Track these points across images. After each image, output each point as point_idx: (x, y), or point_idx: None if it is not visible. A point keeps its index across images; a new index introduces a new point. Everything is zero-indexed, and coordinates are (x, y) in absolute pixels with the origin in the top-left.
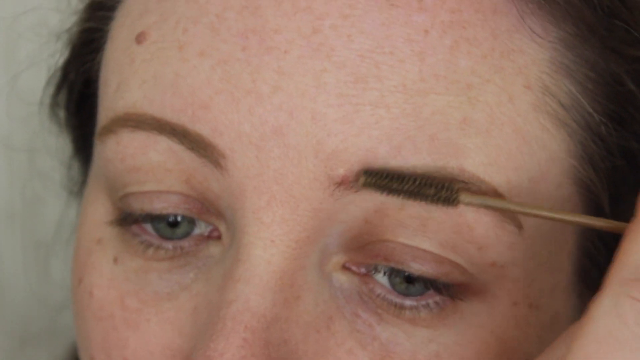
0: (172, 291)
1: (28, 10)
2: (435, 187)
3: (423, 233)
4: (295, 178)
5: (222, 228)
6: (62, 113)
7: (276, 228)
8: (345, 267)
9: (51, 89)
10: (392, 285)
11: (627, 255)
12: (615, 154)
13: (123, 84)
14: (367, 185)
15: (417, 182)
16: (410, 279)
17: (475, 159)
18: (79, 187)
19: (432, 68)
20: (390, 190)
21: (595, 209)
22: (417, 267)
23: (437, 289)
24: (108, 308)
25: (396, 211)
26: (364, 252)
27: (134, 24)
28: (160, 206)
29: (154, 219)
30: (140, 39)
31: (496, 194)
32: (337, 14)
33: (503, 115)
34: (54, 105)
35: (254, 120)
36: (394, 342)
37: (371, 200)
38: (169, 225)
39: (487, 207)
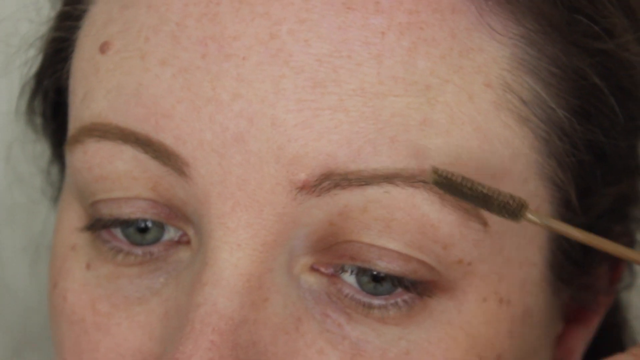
0: (142, 296)
1: None
2: (503, 199)
3: (388, 234)
4: (258, 183)
5: (191, 233)
6: (38, 120)
7: (242, 232)
8: (313, 269)
9: (26, 97)
10: (360, 284)
11: None
12: (580, 148)
13: (89, 94)
14: (437, 184)
15: (486, 191)
16: (377, 278)
17: (436, 159)
18: (58, 193)
19: (390, 70)
20: (460, 193)
21: (563, 203)
22: (383, 265)
23: (405, 286)
24: (80, 312)
25: (359, 213)
26: (331, 252)
27: (98, 33)
28: (128, 211)
29: (122, 223)
30: (104, 48)
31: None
32: (294, 18)
33: (463, 114)
34: (30, 112)
35: (215, 127)
36: (364, 341)
37: (334, 204)
38: (139, 231)
39: (550, 228)
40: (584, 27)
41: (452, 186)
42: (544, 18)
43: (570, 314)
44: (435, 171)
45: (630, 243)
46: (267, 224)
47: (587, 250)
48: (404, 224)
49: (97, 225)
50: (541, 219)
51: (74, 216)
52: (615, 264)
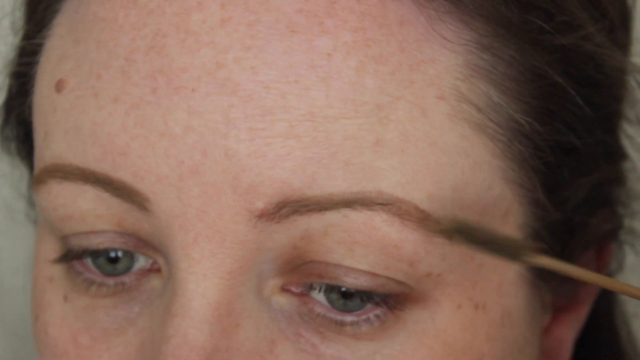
0: (120, 327)
1: None
2: (506, 243)
3: (351, 257)
4: (217, 214)
5: (161, 261)
6: (13, 145)
7: (206, 262)
8: (283, 289)
9: None
10: (330, 301)
11: None
12: (544, 149)
13: (48, 134)
14: (456, 238)
15: (497, 240)
16: (346, 295)
17: (392, 180)
18: None
19: (338, 92)
20: (479, 245)
21: (533, 202)
22: (351, 281)
23: (375, 302)
24: (62, 346)
25: (321, 237)
26: (299, 272)
27: (53, 70)
28: (97, 241)
29: (92, 253)
30: (59, 87)
31: (418, 210)
32: (239, 46)
33: (417, 130)
34: (4, 139)
35: (171, 162)
36: (339, 358)
37: (295, 229)
38: (110, 262)
39: (552, 269)
40: (540, 24)
41: (467, 234)
42: (496, 20)
43: (556, 304)
44: (453, 220)
45: (615, 227)
46: (230, 252)
47: (566, 243)
48: (365, 246)
49: (69, 256)
50: (542, 261)
51: (48, 248)
52: (602, 250)
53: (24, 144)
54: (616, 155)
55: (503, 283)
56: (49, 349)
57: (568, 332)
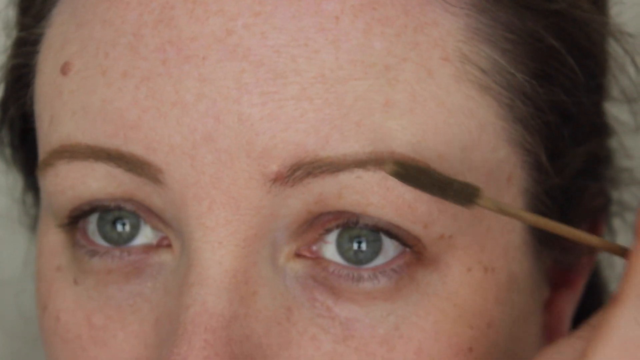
0: (134, 303)
1: None
2: (458, 187)
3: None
4: (231, 180)
5: (172, 237)
6: (7, 150)
7: (221, 230)
8: (297, 255)
9: None
10: (342, 253)
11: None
12: (545, 110)
13: (55, 118)
14: (396, 175)
15: (442, 179)
16: (359, 243)
17: (403, 139)
18: (34, 221)
19: (347, 54)
20: (419, 184)
21: (534, 166)
22: (366, 219)
23: (391, 235)
24: (75, 330)
25: (335, 200)
26: (313, 228)
27: (57, 55)
28: (107, 199)
29: (101, 214)
30: (64, 70)
31: (429, 169)
32: (248, 12)
33: (424, 91)
34: None
35: (183, 130)
36: (353, 320)
37: (309, 192)
38: (115, 228)
39: (502, 212)
40: None
41: (412, 178)
42: None
43: (555, 279)
44: (396, 163)
45: (606, 203)
46: (245, 219)
47: (564, 212)
48: (380, 207)
49: (77, 215)
50: (493, 204)
51: (53, 237)
52: (595, 224)
53: (19, 150)
54: (604, 129)
55: (509, 247)
56: (60, 335)
57: (566, 307)
